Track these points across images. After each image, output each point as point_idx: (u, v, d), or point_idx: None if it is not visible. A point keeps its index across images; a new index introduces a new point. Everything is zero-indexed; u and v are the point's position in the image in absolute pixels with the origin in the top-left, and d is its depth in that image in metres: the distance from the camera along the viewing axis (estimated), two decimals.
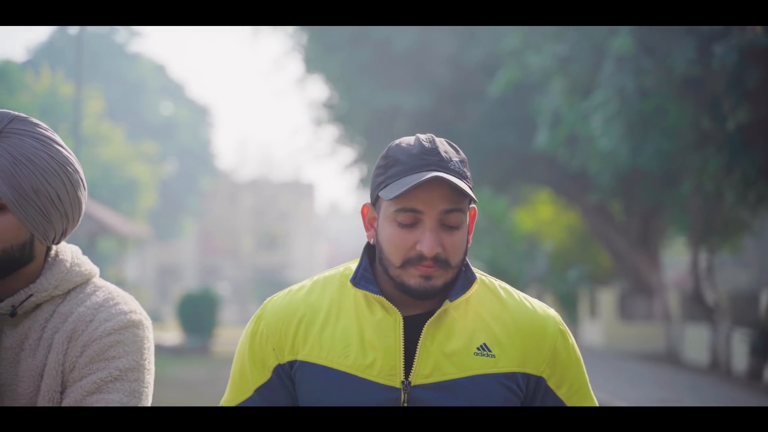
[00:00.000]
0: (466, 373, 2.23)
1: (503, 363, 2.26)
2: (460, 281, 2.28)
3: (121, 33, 55.71)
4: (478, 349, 2.26)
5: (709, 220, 20.71)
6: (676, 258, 40.47)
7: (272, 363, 2.30)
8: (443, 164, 2.20)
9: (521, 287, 17.81)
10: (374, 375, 2.23)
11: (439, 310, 2.25)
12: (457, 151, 2.27)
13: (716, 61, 12.30)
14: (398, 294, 2.27)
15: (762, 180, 14.43)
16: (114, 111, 50.02)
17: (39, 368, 2.22)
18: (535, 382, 2.29)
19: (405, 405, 2.21)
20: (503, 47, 17.90)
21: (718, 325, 20.39)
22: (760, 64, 12.30)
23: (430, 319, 2.25)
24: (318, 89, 30.79)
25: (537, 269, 28.19)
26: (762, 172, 14.27)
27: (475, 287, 2.30)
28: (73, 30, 51.80)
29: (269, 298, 2.38)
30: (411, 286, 2.21)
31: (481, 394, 2.24)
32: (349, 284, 2.30)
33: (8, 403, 2.20)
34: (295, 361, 2.28)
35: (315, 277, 2.38)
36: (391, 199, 2.21)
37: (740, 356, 19.24)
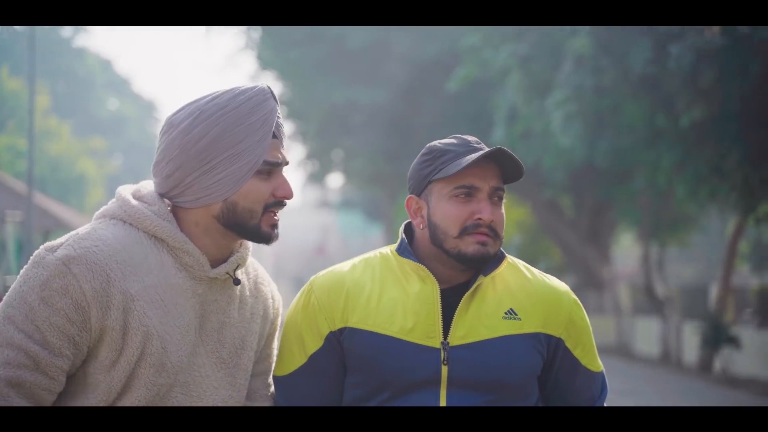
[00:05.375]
0: (496, 334, 2.54)
1: (528, 325, 2.57)
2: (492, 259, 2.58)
3: (66, 28, 55.27)
4: (506, 313, 2.56)
5: (660, 216, 21.15)
6: (624, 252, 41.06)
7: (325, 331, 2.58)
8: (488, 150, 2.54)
9: None
10: (416, 338, 2.51)
11: (476, 284, 2.55)
12: None
13: (672, 60, 12.64)
14: (437, 267, 2.57)
15: (713, 176, 14.83)
16: (60, 106, 49.65)
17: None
18: (555, 343, 2.61)
19: (445, 363, 2.50)
20: (462, 44, 18.14)
21: (668, 317, 20.84)
22: (714, 63, 12.66)
23: (469, 290, 2.55)
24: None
25: None
26: (713, 168, 14.66)
27: (505, 263, 2.61)
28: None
29: (314, 276, 2.67)
30: (468, 253, 2.52)
31: (510, 351, 2.54)
32: (390, 261, 2.62)
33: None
34: (345, 328, 2.56)
35: (355, 259, 2.68)
36: (447, 180, 2.54)
37: (691, 348, 19.70)
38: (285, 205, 2.45)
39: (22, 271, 2.33)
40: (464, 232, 2.51)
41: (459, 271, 2.56)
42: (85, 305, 2.27)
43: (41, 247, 2.33)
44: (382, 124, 24.91)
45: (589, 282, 27.02)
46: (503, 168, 2.56)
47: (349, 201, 41.07)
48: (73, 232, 2.37)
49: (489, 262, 2.55)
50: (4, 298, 2.31)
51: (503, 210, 2.58)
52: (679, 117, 13.63)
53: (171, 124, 2.43)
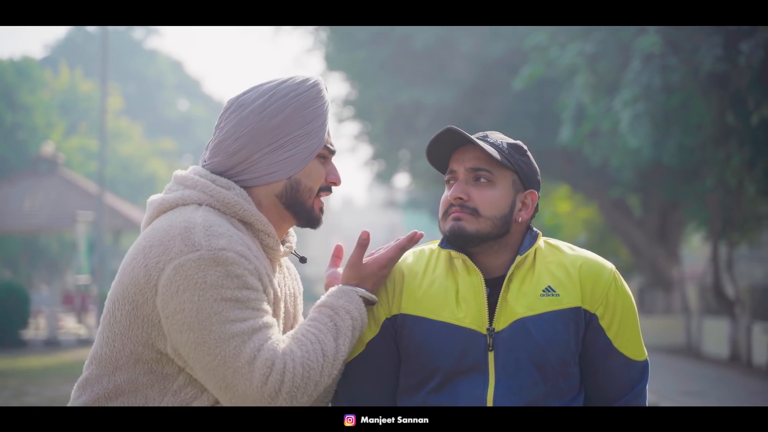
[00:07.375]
0: (534, 312, 2.61)
1: (567, 300, 2.62)
2: (527, 240, 2.68)
3: (137, 30, 55.97)
4: (543, 291, 2.63)
5: (729, 215, 20.91)
6: (693, 252, 40.59)
7: (381, 317, 2.69)
8: (477, 136, 2.68)
9: None
10: (467, 323, 2.61)
11: (512, 266, 2.64)
12: (510, 140, 2.71)
13: (743, 57, 12.52)
14: (479, 259, 2.67)
15: None
16: (131, 108, 50.31)
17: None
18: (589, 319, 2.63)
19: (491, 349, 2.59)
20: (528, 43, 18.11)
21: (738, 318, 20.60)
22: None
23: (507, 277, 2.63)
24: (338, 86, 31.07)
25: None
26: None
27: (539, 242, 2.69)
28: (91, 27, 52.06)
29: None
30: (446, 231, 2.64)
31: (549, 328, 2.60)
32: (440, 252, 2.72)
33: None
34: (398, 314, 2.67)
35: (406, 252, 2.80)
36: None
37: (760, 349, 19.46)
38: (332, 191, 2.59)
39: (182, 284, 2.33)
40: (446, 213, 2.65)
41: (500, 261, 2.65)
42: (258, 278, 2.42)
43: (178, 252, 2.34)
44: (448, 124, 24.85)
45: (658, 282, 26.77)
46: (486, 150, 2.63)
47: (416, 201, 41.06)
48: (185, 226, 2.38)
49: (468, 238, 2.60)
50: (196, 312, 2.32)
51: (494, 191, 2.62)
52: (750, 115, 13.49)
53: (241, 103, 2.50)
